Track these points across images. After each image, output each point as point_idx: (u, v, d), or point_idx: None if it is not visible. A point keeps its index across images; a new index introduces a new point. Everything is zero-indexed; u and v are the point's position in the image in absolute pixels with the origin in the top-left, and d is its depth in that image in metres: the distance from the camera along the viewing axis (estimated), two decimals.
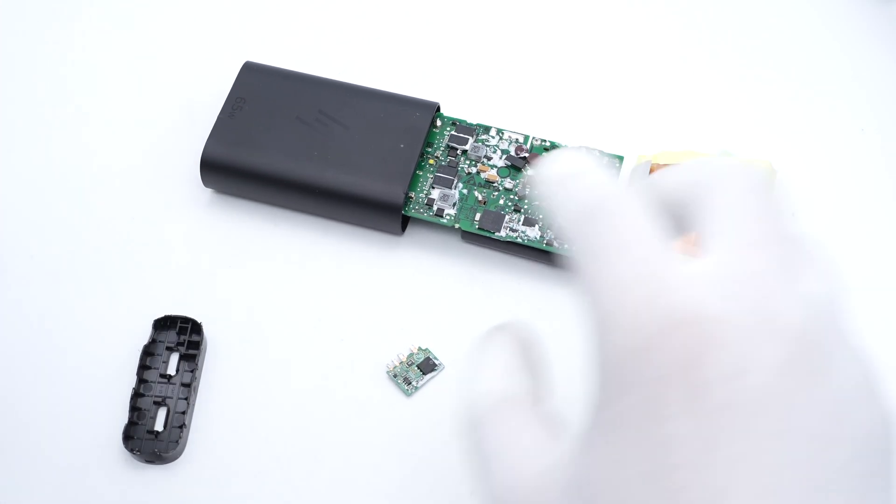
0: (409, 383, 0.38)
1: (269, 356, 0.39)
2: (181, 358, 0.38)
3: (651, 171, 0.41)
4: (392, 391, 0.38)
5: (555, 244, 0.39)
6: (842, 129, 0.43)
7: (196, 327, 0.38)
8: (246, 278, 0.40)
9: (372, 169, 0.39)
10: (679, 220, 0.25)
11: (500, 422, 0.25)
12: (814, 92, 0.44)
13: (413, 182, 0.40)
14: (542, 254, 0.39)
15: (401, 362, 0.38)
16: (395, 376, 0.38)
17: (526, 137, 0.41)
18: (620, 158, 0.41)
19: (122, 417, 0.37)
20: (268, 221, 0.41)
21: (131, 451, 0.36)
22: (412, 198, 0.40)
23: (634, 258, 0.22)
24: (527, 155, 0.41)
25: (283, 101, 0.41)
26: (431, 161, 0.41)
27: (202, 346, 0.38)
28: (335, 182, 0.39)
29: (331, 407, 0.37)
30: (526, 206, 0.40)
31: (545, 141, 0.41)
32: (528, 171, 0.32)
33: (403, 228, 0.40)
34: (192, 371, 0.37)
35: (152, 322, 0.38)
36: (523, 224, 0.39)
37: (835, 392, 0.22)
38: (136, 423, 0.36)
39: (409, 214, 0.39)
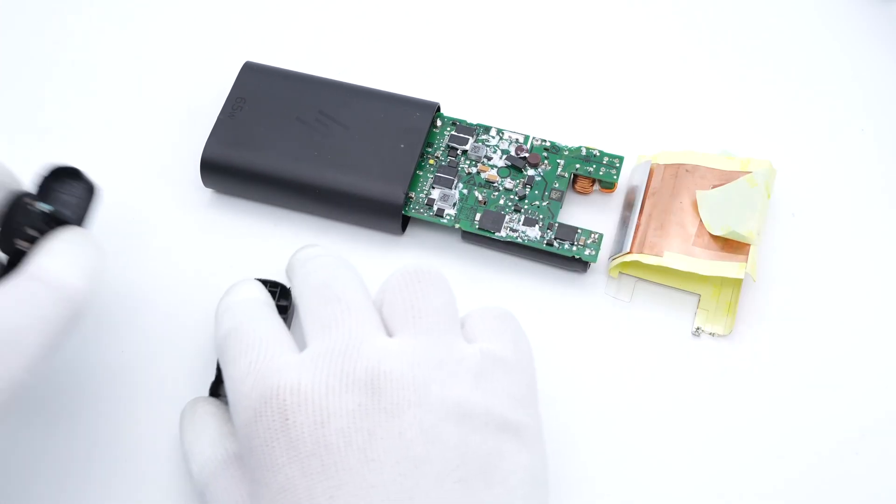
0: None
1: None
2: None
3: (651, 171, 0.41)
4: None
5: (555, 244, 0.39)
6: (842, 129, 0.43)
7: (285, 292, 0.38)
8: None
9: (372, 169, 0.39)
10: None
11: (224, 490, 0.31)
12: (814, 92, 0.44)
13: (413, 182, 0.40)
14: (542, 254, 0.39)
15: None
16: None
17: (526, 137, 0.41)
18: (620, 158, 0.41)
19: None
20: (268, 221, 0.41)
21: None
22: (412, 198, 0.40)
23: (248, 361, 0.31)
24: (527, 155, 0.41)
25: (283, 101, 0.41)
26: (431, 161, 0.41)
27: (290, 311, 0.38)
28: (335, 182, 0.39)
29: None
30: (526, 207, 0.40)
31: (545, 141, 0.41)
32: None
33: (403, 228, 0.40)
34: None
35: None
36: (523, 224, 0.39)
37: (410, 421, 0.29)
38: (222, 382, 0.36)
39: (409, 214, 0.40)
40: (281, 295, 0.38)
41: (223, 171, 0.40)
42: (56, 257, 0.31)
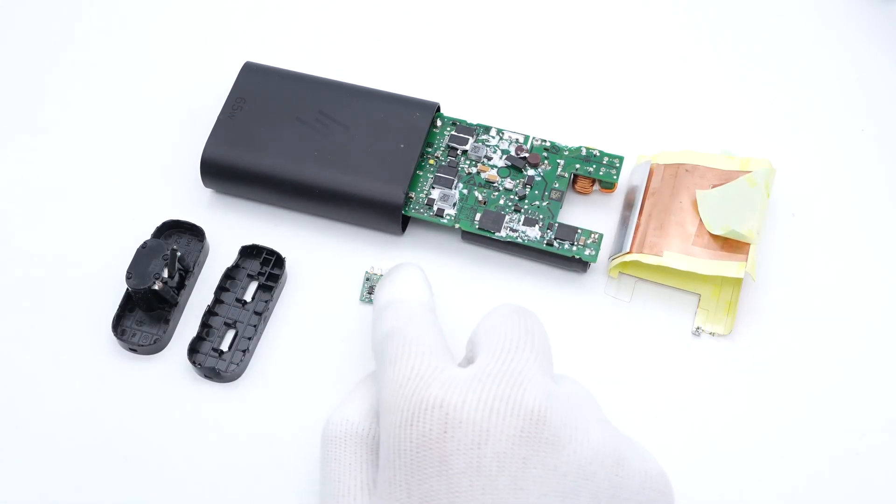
0: None
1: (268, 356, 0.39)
2: (259, 287, 0.39)
3: (651, 171, 0.41)
4: None
5: (555, 244, 0.39)
6: (842, 129, 0.43)
7: (279, 261, 0.39)
8: None
9: (372, 169, 0.39)
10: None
11: (344, 453, 0.32)
12: (814, 92, 0.44)
13: (413, 182, 0.40)
14: (542, 254, 0.39)
15: None
16: None
17: (526, 137, 0.41)
18: (620, 158, 0.41)
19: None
20: (268, 221, 0.41)
21: (193, 363, 0.37)
22: (412, 198, 0.40)
23: (410, 366, 0.31)
24: (527, 155, 0.41)
25: (283, 101, 0.41)
26: (431, 161, 0.41)
27: (281, 280, 0.39)
28: (335, 182, 0.39)
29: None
30: (526, 207, 0.40)
31: (545, 141, 0.41)
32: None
33: (403, 228, 0.40)
34: (266, 301, 0.39)
35: (239, 248, 0.39)
36: (523, 224, 0.39)
37: (568, 457, 0.29)
38: (203, 339, 0.38)
39: (409, 214, 0.40)
40: (276, 264, 0.39)
41: (223, 171, 0.40)
42: None
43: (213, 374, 0.37)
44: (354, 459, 0.32)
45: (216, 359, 0.38)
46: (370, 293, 0.39)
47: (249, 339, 0.38)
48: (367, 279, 0.39)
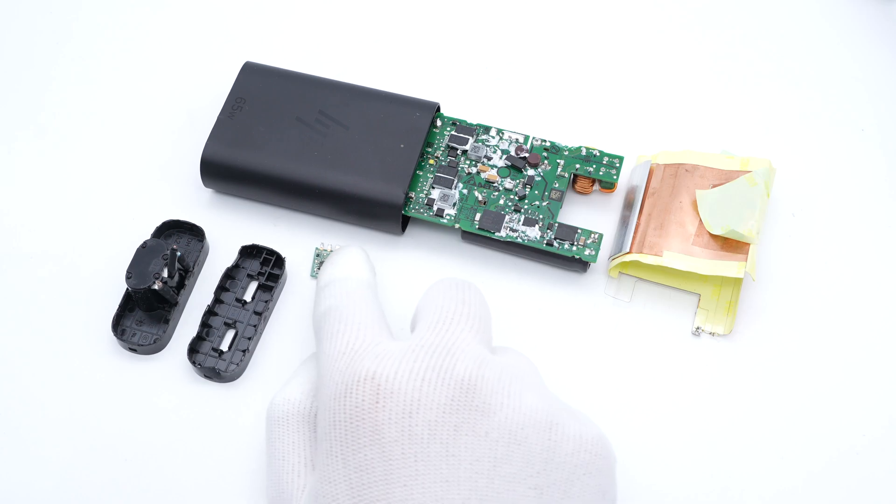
0: None
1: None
2: (259, 287, 0.39)
3: (651, 170, 0.41)
4: None
5: (555, 244, 0.39)
6: (842, 128, 0.43)
7: (279, 261, 0.39)
8: None
9: (372, 169, 0.39)
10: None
11: (287, 431, 0.33)
12: (814, 92, 0.44)
13: (413, 182, 0.40)
14: (542, 254, 0.39)
15: None
16: None
17: (526, 137, 0.41)
18: (620, 158, 0.41)
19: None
20: (268, 221, 0.41)
21: (193, 363, 0.37)
22: (412, 198, 0.40)
23: (345, 341, 0.32)
24: (527, 155, 0.41)
25: (283, 101, 0.41)
26: (431, 161, 0.41)
27: (281, 280, 0.39)
28: (335, 182, 0.39)
29: None
30: (526, 207, 0.40)
31: (545, 141, 0.41)
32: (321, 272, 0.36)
33: (403, 228, 0.40)
34: (266, 301, 0.39)
35: (239, 248, 0.39)
36: (523, 224, 0.39)
37: (499, 423, 0.30)
38: (203, 339, 0.38)
39: (409, 214, 0.40)
40: (276, 264, 0.39)
41: (223, 171, 0.40)
42: None
43: (213, 374, 0.37)
44: (298, 438, 0.33)
45: (216, 359, 0.38)
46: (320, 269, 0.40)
47: (249, 339, 0.38)
48: (318, 255, 0.40)
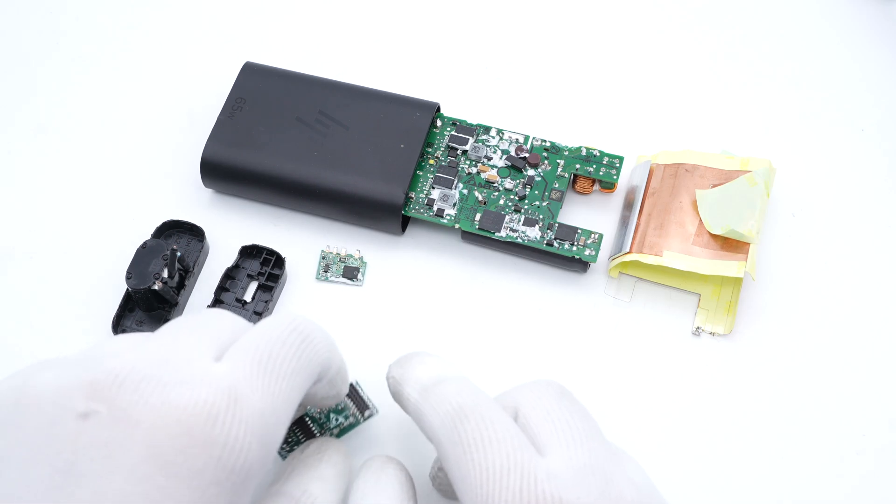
0: None
1: None
2: (259, 287, 0.39)
3: (651, 170, 0.41)
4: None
5: (555, 244, 0.39)
6: (842, 128, 0.43)
7: (279, 261, 0.39)
8: None
9: (372, 169, 0.39)
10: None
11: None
12: (814, 92, 0.44)
13: (413, 182, 0.40)
14: (542, 254, 0.39)
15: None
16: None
17: (526, 137, 0.41)
18: (620, 158, 0.41)
19: None
20: (268, 221, 0.41)
21: None
22: (412, 198, 0.40)
23: (506, 451, 0.27)
24: (527, 155, 0.41)
25: (283, 101, 0.41)
26: (431, 161, 0.41)
27: (281, 280, 0.39)
28: (335, 182, 0.39)
29: None
30: (526, 206, 0.40)
31: (545, 141, 0.41)
32: (392, 373, 0.32)
33: (403, 228, 0.41)
34: (266, 301, 0.39)
35: (239, 248, 0.39)
36: (523, 224, 0.39)
37: None
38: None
39: (409, 214, 0.40)
40: (276, 264, 0.39)
41: (223, 171, 0.40)
42: None
43: None
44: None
45: None
46: (326, 271, 0.40)
47: None
48: (323, 258, 0.40)
